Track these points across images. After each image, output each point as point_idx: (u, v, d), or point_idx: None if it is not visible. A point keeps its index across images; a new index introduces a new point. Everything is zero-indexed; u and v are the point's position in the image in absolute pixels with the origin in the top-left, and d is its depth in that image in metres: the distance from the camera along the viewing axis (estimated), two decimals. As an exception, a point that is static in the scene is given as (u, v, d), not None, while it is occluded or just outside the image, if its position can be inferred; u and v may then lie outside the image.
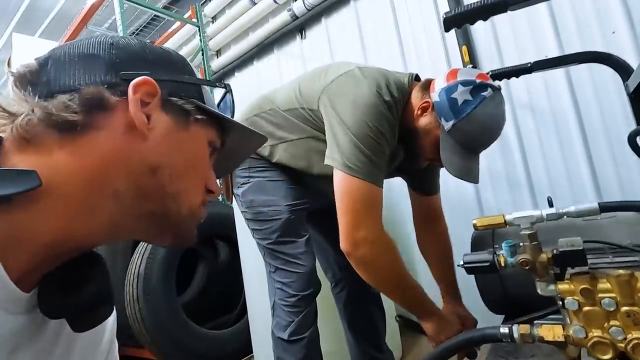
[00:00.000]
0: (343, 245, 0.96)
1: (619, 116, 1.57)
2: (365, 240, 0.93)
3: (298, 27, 2.68)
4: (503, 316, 1.05)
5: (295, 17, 2.60)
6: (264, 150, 1.13)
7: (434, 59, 2.05)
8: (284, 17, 2.64)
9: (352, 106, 0.95)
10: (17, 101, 0.38)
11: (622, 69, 1.08)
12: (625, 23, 1.55)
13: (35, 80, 0.40)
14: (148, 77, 0.41)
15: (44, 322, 0.39)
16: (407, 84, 1.04)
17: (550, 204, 0.99)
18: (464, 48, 1.88)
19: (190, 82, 0.47)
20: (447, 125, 0.96)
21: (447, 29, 0.76)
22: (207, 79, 2.96)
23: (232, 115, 0.57)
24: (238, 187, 1.16)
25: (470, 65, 1.85)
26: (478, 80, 0.95)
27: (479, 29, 1.89)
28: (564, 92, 1.69)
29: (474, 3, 0.70)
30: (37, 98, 0.38)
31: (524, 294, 0.94)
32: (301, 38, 2.71)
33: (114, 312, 0.50)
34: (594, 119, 1.63)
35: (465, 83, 0.94)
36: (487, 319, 1.04)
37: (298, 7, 2.55)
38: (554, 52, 1.68)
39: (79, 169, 0.38)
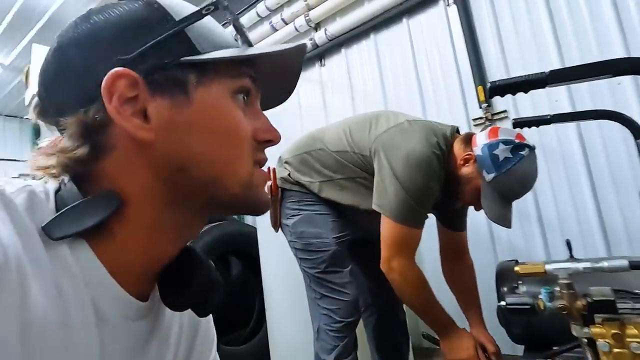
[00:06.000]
0: (382, 266, 1.15)
1: (624, 164, 1.70)
2: (395, 270, 1.13)
3: (318, 55, 2.81)
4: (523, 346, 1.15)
5: (316, 46, 2.73)
6: (314, 186, 1.24)
7: (449, 95, 2.18)
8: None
9: (405, 161, 1.09)
10: (43, 155, 0.37)
11: (632, 125, 1.21)
12: (621, 45, 1.71)
13: (44, 117, 0.39)
14: (116, 70, 0.34)
15: (157, 322, 0.43)
16: (449, 136, 1.18)
17: (569, 247, 1.11)
18: (480, 88, 2.02)
19: (165, 39, 0.36)
20: (489, 177, 1.09)
21: (490, 97, 0.88)
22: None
23: (243, 35, 0.43)
24: (288, 218, 1.26)
25: (486, 105, 1.99)
26: (517, 141, 1.09)
27: (494, 71, 2.03)
28: (572, 136, 1.82)
29: (519, 77, 0.81)
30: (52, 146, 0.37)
31: (545, 328, 1.04)
32: (320, 65, 2.84)
33: (214, 332, 0.55)
34: (600, 163, 1.76)
35: (506, 142, 1.08)
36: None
37: (319, 37, 2.68)
38: (563, 94, 1.82)
39: (124, 194, 0.36)
